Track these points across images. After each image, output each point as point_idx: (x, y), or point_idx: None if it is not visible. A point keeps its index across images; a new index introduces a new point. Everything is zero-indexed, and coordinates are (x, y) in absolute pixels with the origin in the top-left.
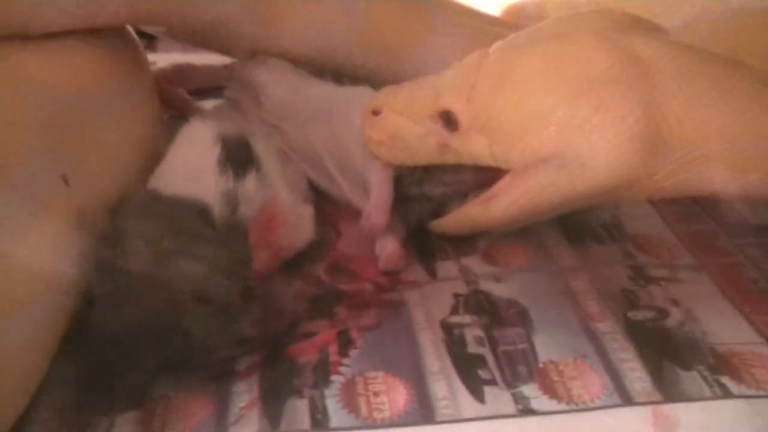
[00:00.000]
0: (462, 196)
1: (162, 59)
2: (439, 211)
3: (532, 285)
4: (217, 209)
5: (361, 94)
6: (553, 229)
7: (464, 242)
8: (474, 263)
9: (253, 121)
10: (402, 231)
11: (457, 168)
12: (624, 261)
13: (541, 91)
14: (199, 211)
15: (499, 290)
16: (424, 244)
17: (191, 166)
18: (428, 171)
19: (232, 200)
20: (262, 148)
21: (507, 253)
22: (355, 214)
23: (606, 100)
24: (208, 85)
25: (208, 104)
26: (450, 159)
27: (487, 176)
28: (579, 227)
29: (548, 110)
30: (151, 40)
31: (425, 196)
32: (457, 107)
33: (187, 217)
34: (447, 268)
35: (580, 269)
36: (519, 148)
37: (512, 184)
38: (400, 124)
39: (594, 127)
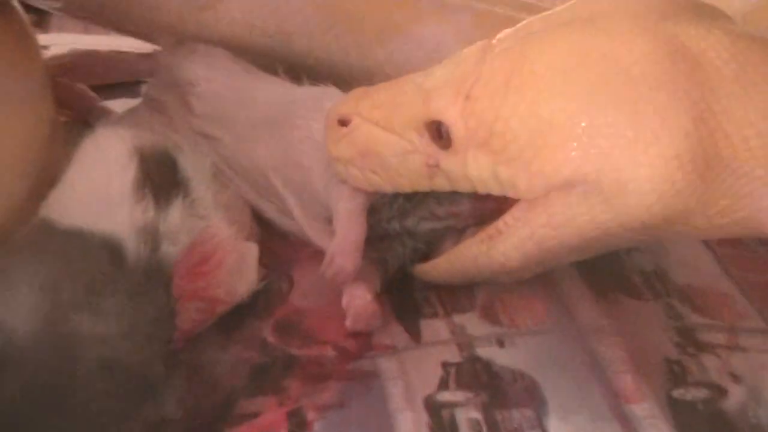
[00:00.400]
0: (457, 233)
1: (57, 42)
2: (426, 253)
3: (545, 352)
4: (132, 248)
5: (323, 95)
6: (574, 278)
7: (458, 294)
8: (470, 322)
9: (180, 130)
10: (377, 279)
11: (451, 196)
12: (668, 321)
13: (562, 95)
14: (108, 251)
15: (503, 358)
16: (405, 297)
17: (97, 189)
18: (413, 200)
19: (151, 236)
20: (191, 166)
21: (513, 309)
22: (315, 255)
23: (646, 108)
24: (120, 79)
25: (120, 106)
26: (441, 184)
27: (489, 207)
28: (609, 276)
29: (570, 120)
30: (42, 17)
31: (409, 233)
32: (450, 116)
33: (91, 258)
34: (435, 328)
35: (610, 332)
36: (532, 171)
37: (523, 217)
38: (375, 138)
39: (630, 142)
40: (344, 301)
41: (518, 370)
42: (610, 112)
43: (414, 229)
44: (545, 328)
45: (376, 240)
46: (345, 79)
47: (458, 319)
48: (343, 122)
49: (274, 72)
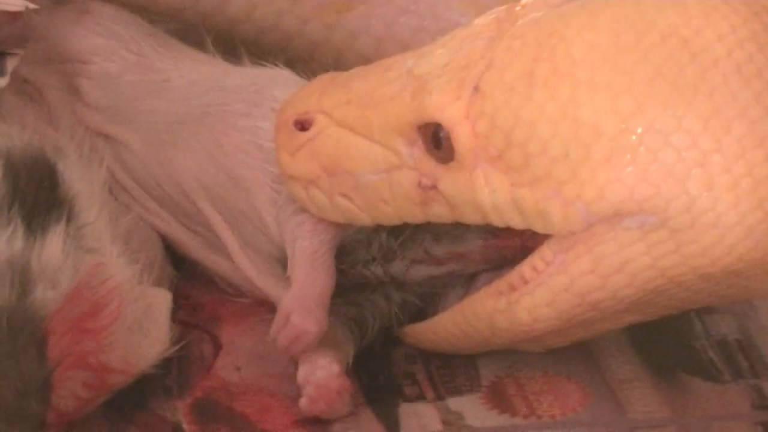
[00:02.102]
0: (465, 281)
1: None
2: (421, 309)
3: None
4: None
5: (272, 81)
6: (624, 352)
7: (454, 368)
8: (471, 409)
9: (63, 126)
10: (350, 345)
11: (455, 231)
12: (755, 414)
13: (609, 90)
14: None
15: None
16: (380, 371)
17: None
18: (400, 236)
19: (19, 275)
20: (78, 178)
21: (534, 393)
22: (253, 309)
23: (728, 108)
24: None
25: None
26: (440, 214)
27: (509, 246)
28: (673, 349)
29: (622, 124)
30: None
31: (396, 282)
32: (451, 117)
33: None
34: (420, 416)
35: (672, 425)
36: (568, 196)
37: (557, 261)
38: (347, 148)
39: (706, 156)
40: (301, 374)
41: None
42: (677, 113)
43: (403, 276)
44: (580, 420)
45: (349, 290)
46: (301, 58)
47: (454, 404)
48: (302, 124)
49: (200, 45)
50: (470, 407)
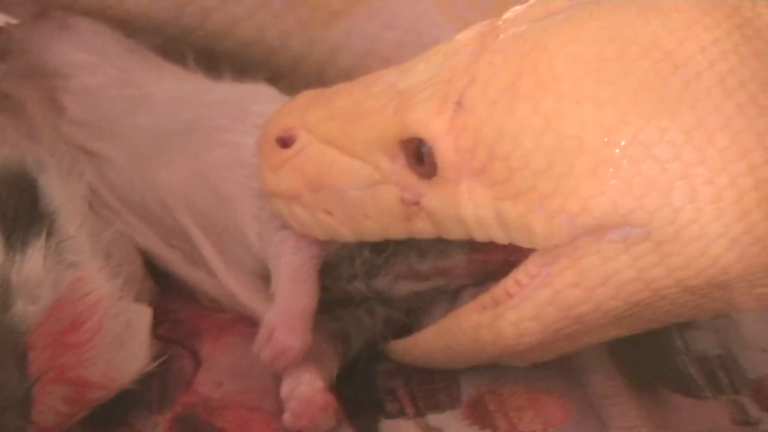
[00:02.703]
0: (450, 296)
1: None
2: (406, 324)
3: None
4: None
5: (253, 97)
6: (605, 367)
7: (435, 384)
8: (451, 425)
9: (44, 141)
10: (334, 361)
11: (439, 246)
12: (735, 427)
13: (593, 102)
14: None
15: None
16: (361, 387)
17: None
18: (384, 252)
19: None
20: (59, 192)
21: (515, 408)
22: (233, 324)
23: (712, 119)
24: None
25: None
26: (423, 229)
27: (493, 261)
28: (654, 364)
29: (605, 137)
30: None
31: (380, 298)
32: (434, 131)
33: None
34: (400, 431)
35: None
36: (551, 209)
37: (541, 275)
38: (330, 164)
39: (689, 167)
40: (285, 389)
41: None
42: (661, 125)
43: (387, 292)
44: None
45: (333, 306)
46: (283, 73)
47: (434, 420)
48: (285, 141)
49: (181, 60)
50: (450, 423)
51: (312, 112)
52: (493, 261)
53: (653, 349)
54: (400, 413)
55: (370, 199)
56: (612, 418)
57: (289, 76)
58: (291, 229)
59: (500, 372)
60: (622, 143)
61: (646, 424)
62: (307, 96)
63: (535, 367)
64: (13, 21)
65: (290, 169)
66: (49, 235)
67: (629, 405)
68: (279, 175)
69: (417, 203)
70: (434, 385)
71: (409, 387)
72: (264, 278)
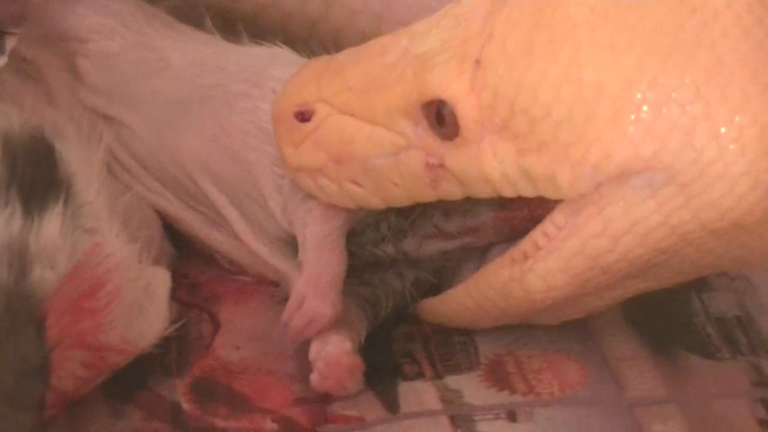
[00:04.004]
0: (479, 254)
1: None
2: (435, 285)
3: (577, 429)
4: None
5: (271, 60)
6: (622, 329)
7: (453, 347)
8: (470, 386)
9: (62, 106)
10: (363, 324)
11: (464, 205)
12: (753, 390)
13: (611, 49)
14: None
15: None
16: (378, 350)
17: None
18: (410, 216)
19: (17, 256)
20: (77, 158)
21: (533, 370)
22: (251, 288)
23: (729, 58)
24: None
25: None
26: (450, 191)
27: (520, 216)
28: (671, 326)
29: (625, 83)
30: None
31: (408, 260)
32: (455, 92)
33: None
34: (419, 394)
35: (670, 402)
36: (574, 159)
37: (568, 225)
38: (352, 134)
39: (709, 108)
40: (313, 350)
41: None
42: (680, 68)
43: (415, 253)
44: (579, 397)
45: (361, 270)
46: (301, 36)
47: (453, 382)
48: (303, 115)
49: (199, 24)
50: (469, 385)
51: (327, 84)
52: (521, 217)
53: (671, 311)
54: (419, 375)
55: (395, 166)
56: (629, 381)
57: (306, 39)
58: (316, 199)
59: (518, 335)
60: (642, 88)
61: (663, 386)
62: (314, 67)
63: (553, 330)
64: None
65: (312, 143)
66: (66, 200)
67: (646, 367)
68: (301, 150)
69: (441, 166)
70: (452, 347)
71: (427, 349)
72: (287, 242)
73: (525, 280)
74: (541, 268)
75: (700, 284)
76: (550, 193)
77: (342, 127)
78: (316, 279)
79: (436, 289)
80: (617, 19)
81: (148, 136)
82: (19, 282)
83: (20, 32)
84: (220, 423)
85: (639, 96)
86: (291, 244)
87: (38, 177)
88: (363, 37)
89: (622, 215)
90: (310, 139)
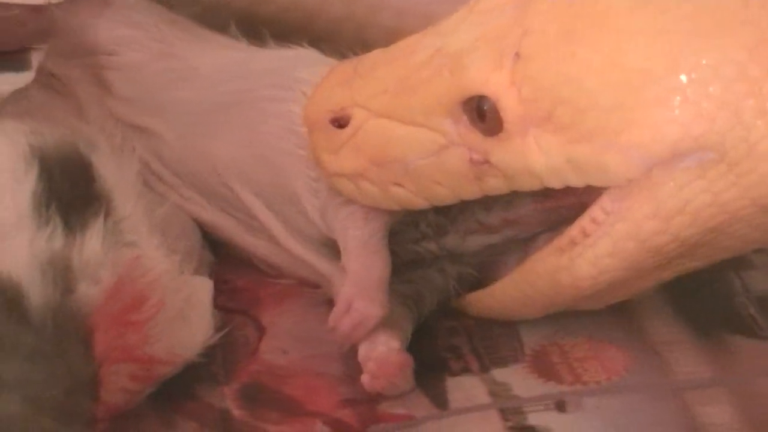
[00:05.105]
0: (523, 245)
1: None
2: (478, 280)
3: (625, 415)
4: (34, 291)
5: (299, 62)
6: (664, 314)
7: (497, 339)
8: (517, 378)
9: (93, 119)
10: (408, 322)
11: (505, 198)
12: None
13: (654, 33)
14: (2, 296)
15: (566, 427)
16: (423, 346)
17: None
18: (449, 212)
19: (61, 274)
20: (112, 171)
21: (578, 359)
22: (292, 291)
23: None
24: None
25: (2, 86)
26: (496, 186)
27: (565, 204)
28: (713, 308)
29: (669, 66)
30: None
31: (451, 256)
32: (495, 87)
33: None
34: (467, 389)
35: (717, 384)
36: (623, 144)
37: (618, 210)
38: (392, 137)
39: (756, 84)
40: (362, 351)
41: None
42: (723, 45)
43: (459, 248)
44: (626, 384)
45: (403, 268)
46: (324, 37)
47: (499, 374)
48: (339, 121)
49: (223, 29)
50: (516, 377)
51: (360, 88)
52: (565, 205)
53: (711, 292)
54: (465, 370)
55: (438, 165)
56: (674, 365)
57: (330, 38)
58: (357, 203)
59: (561, 324)
60: (687, 69)
61: (708, 369)
62: (342, 72)
63: (595, 317)
64: (54, 0)
65: (351, 148)
66: (106, 215)
67: (690, 350)
68: (340, 156)
69: (486, 162)
70: (497, 340)
71: (472, 343)
72: (326, 244)
73: (574, 268)
74: (591, 255)
75: (739, 263)
76: (599, 181)
77: (381, 131)
78: (361, 282)
79: (478, 283)
80: (657, 1)
81: (181, 145)
82: (64, 299)
83: (46, 48)
84: (271, 428)
85: (684, 77)
86: (330, 246)
87: (77, 193)
88: (387, 33)
89: (672, 196)
90: (348, 144)
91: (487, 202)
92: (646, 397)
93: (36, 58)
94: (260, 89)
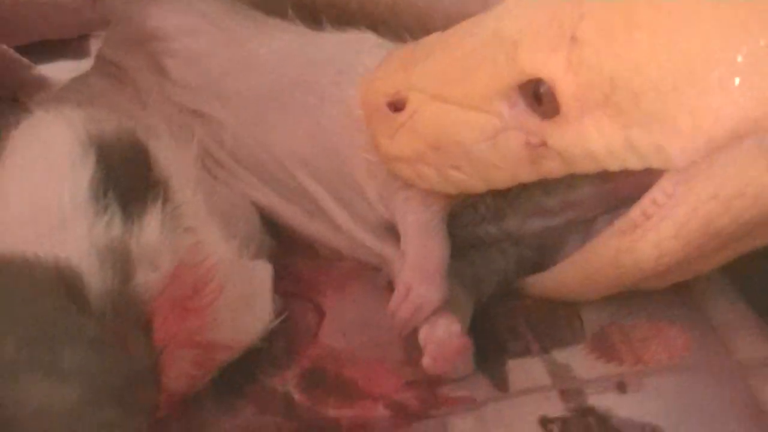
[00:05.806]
0: (583, 227)
1: None
2: (538, 262)
3: (688, 397)
4: (94, 279)
5: (358, 46)
6: (727, 294)
7: (557, 320)
8: (577, 359)
9: (152, 106)
10: (468, 305)
11: (564, 181)
12: None
13: (711, 16)
14: (61, 284)
15: (626, 408)
16: (483, 328)
17: (39, 198)
18: (508, 195)
19: (120, 261)
20: (171, 158)
21: (639, 340)
22: (352, 274)
23: None
24: (58, 34)
25: (61, 74)
26: (553, 169)
27: (625, 187)
28: None
29: (727, 49)
30: None
31: (511, 238)
32: (552, 70)
33: (37, 296)
34: (527, 370)
35: None
36: (683, 128)
37: (678, 192)
38: (449, 121)
39: None
40: (422, 334)
41: (649, 424)
42: None
43: (519, 231)
44: (687, 364)
45: (463, 251)
46: (383, 20)
47: (560, 356)
48: (396, 105)
49: (281, 14)
50: (576, 358)
51: (417, 72)
52: (624, 187)
53: None
54: (526, 351)
55: (495, 148)
56: (736, 345)
57: (389, 21)
58: (415, 187)
59: (621, 304)
60: (745, 50)
61: None
62: (400, 56)
63: (656, 297)
64: None
65: (408, 132)
66: (164, 202)
67: (753, 330)
68: (396, 139)
69: (543, 144)
70: (556, 321)
71: (531, 325)
72: (387, 227)
73: (636, 250)
74: (653, 237)
75: None
76: (658, 164)
77: (437, 114)
78: (420, 266)
79: (537, 265)
80: None
81: (241, 131)
82: (124, 286)
83: (105, 35)
84: (332, 412)
85: (742, 59)
86: (391, 230)
87: (135, 180)
88: (448, 18)
89: (733, 178)
90: (405, 128)
91: (547, 185)
92: (708, 377)
93: (95, 45)
94: (321, 74)
